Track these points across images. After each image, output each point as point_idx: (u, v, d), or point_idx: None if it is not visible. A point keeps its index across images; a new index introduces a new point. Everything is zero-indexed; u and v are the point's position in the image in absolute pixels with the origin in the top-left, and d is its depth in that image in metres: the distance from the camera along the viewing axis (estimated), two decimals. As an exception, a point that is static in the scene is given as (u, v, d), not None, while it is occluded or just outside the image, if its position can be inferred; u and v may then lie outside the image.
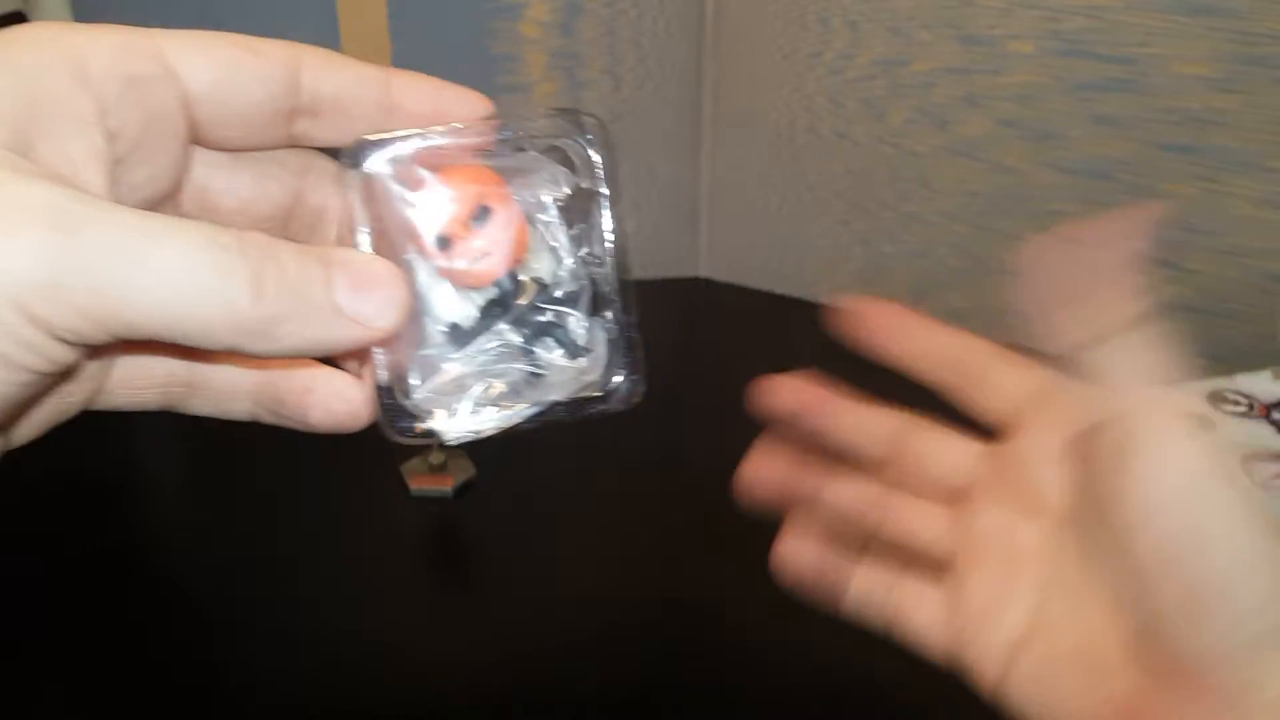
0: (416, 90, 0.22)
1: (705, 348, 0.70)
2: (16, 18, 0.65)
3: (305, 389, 0.21)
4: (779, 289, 0.75)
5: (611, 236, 0.24)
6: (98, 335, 0.17)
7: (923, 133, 0.65)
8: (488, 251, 0.22)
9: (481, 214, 0.22)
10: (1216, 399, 0.51)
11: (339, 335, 0.18)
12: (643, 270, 0.77)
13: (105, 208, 0.17)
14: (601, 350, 0.23)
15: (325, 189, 0.23)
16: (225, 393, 0.22)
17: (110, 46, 0.19)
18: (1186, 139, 0.59)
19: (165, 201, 0.21)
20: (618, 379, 0.23)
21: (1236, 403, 0.51)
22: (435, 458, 0.53)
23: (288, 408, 0.21)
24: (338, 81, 0.22)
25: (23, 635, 0.45)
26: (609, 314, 0.24)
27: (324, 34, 0.65)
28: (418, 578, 0.50)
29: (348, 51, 0.72)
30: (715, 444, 0.60)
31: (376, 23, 0.65)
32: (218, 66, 0.21)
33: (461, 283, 0.22)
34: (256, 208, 0.22)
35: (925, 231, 0.68)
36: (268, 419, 0.22)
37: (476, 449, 0.55)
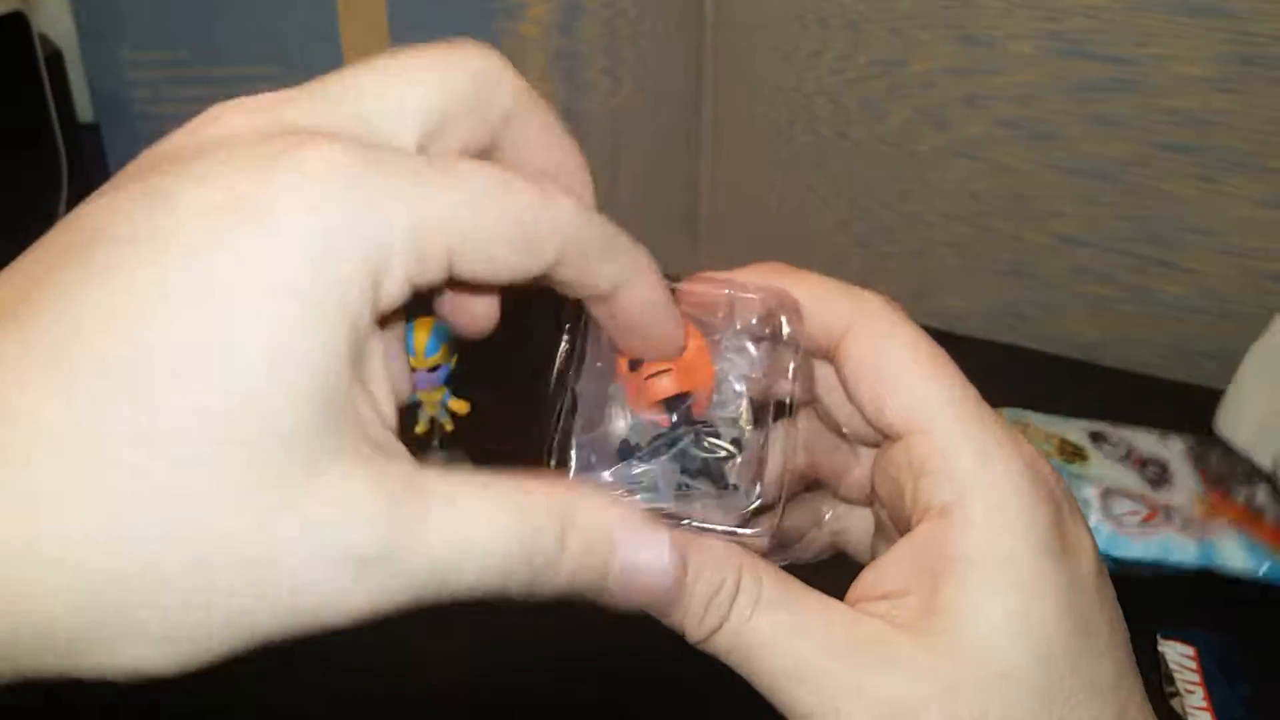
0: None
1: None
2: (17, 18, 0.65)
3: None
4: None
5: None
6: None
7: (923, 133, 0.65)
8: (667, 370, 0.23)
9: None
10: (1098, 438, 0.52)
11: (616, 601, 0.20)
12: (643, 270, 0.77)
13: (429, 492, 0.17)
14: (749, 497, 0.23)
15: None
16: None
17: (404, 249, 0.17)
18: (1186, 139, 0.59)
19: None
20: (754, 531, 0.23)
21: (1115, 445, 0.51)
22: (435, 458, 0.53)
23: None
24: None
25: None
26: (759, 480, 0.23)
27: (324, 35, 0.65)
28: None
29: (348, 53, 0.72)
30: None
31: (376, 23, 0.65)
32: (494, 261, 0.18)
33: (637, 399, 0.23)
34: None
35: (925, 231, 0.68)
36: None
37: (476, 450, 0.55)
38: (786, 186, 0.71)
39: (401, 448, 0.18)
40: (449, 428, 0.52)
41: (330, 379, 0.16)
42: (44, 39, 0.71)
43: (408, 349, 0.52)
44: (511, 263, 0.18)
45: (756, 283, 0.25)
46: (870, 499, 0.25)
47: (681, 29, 0.69)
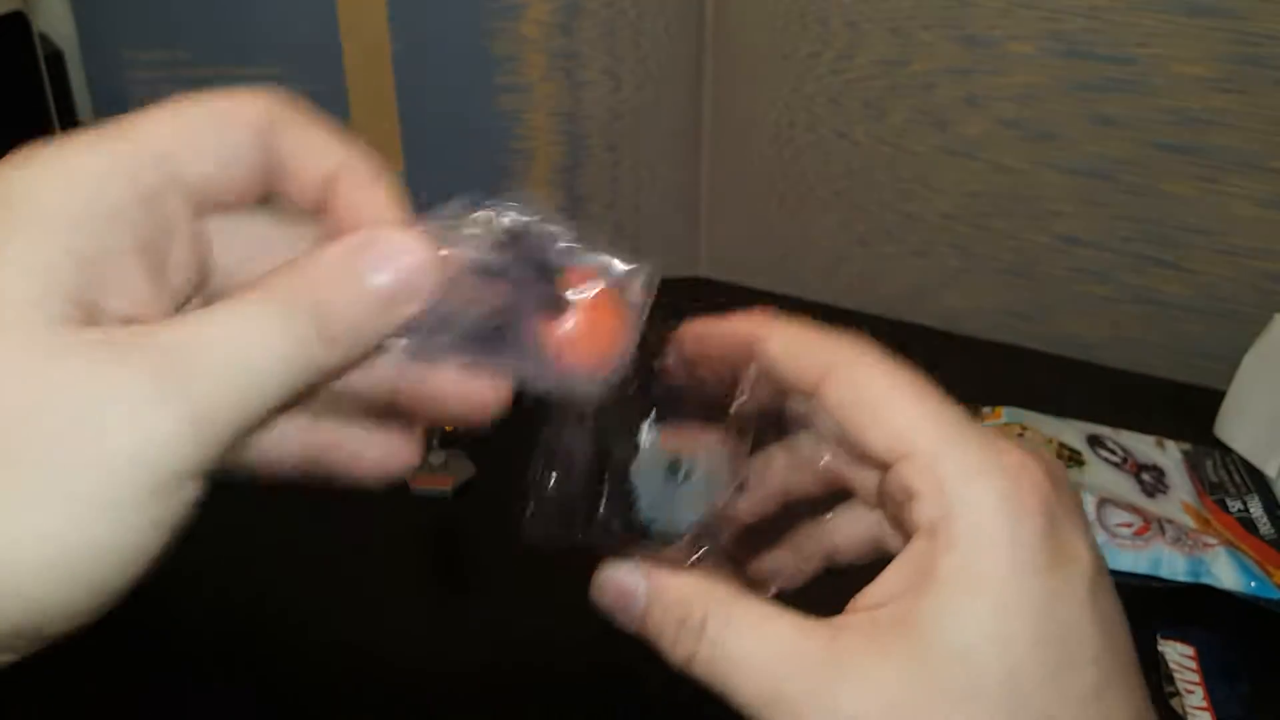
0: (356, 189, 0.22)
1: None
2: (17, 18, 0.65)
3: (354, 454, 0.23)
4: (779, 289, 0.75)
5: None
6: (230, 452, 0.19)
7: (923, 133, 0.65)
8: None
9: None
10: (1095, 443, 0.52)
11: (391, 320, 0.20)
12: (643, 270, 0.76)
13: (184, 336, 0.18)
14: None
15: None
16: (275, 447, 0.23)
17: (121, 171, 0.20)
18: (1186, 139, 0.59)
19: (204, 280, 0.22)
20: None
21: (1113, 452, 0.52)
22: (435, 457, 0.53)
23: (335, 466, 0.23)
24: (302, 146, 0.22)
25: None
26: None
27: (324, 35, 0.65)
28: (417, 577, 0.50)
29: (348, 53, 0.72)
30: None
31: (377, 24, 0.65)
32: (208, 155, 0.21)
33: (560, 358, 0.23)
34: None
35: (925, 231, 0.68)
36: (313, 471, 0.23)
37: (476, 449, 0.55)
38: (787, 186, 0.71)
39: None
40: (449, 427, 0.52)
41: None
42: (44, 39, 0.71)
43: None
44: (235, 166, 0.22)
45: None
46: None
47: (681, 29, 0.69)
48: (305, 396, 0.20)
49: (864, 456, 0.23)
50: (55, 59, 0.72)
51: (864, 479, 0.26)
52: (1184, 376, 0.64)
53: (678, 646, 0.22)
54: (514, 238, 0.22)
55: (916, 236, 0.68)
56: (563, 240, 0.23)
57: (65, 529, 0.17)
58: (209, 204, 0.21)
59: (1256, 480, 0.53)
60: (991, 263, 0.67)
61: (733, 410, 0.25)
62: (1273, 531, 0.49)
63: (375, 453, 0.23)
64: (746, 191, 0.73)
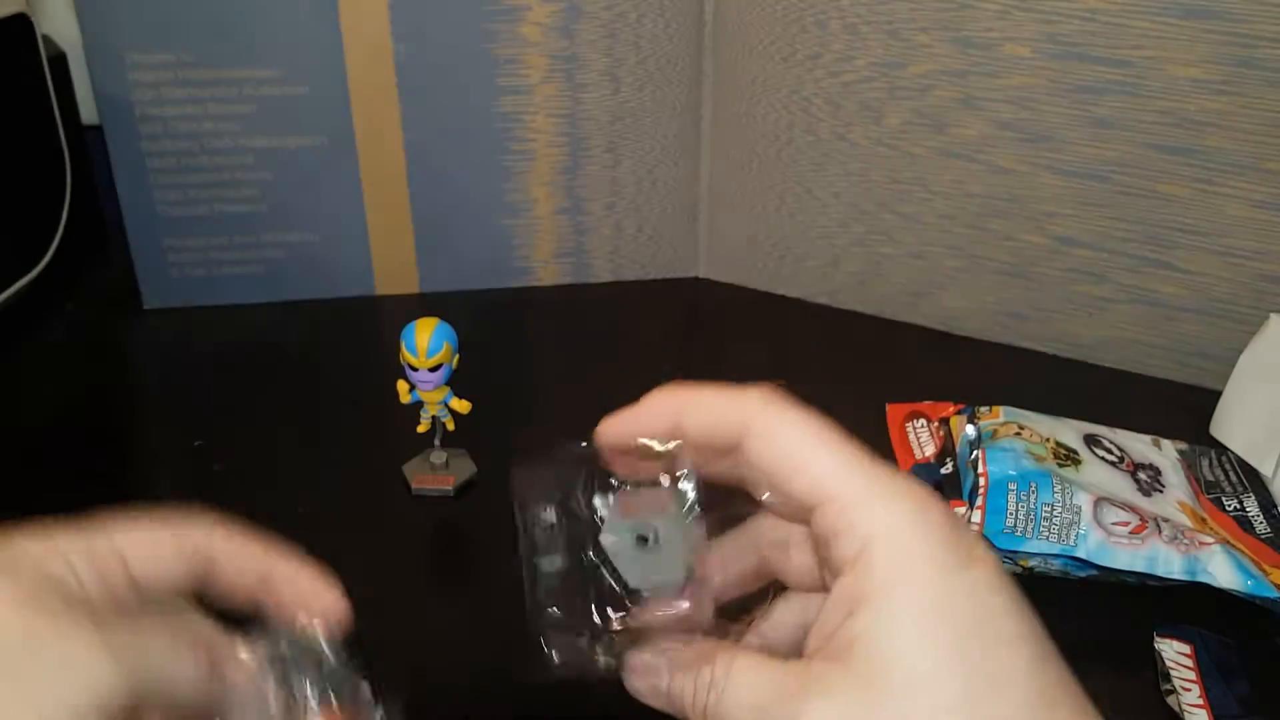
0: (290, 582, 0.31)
1: (704, 348, 0.71)
2: (20, 20, 0.65)
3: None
4: (778, 290, 0.75)
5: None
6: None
7: (921, 135, 0.66)
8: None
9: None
10: (1091, 442, 0.52)
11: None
12: (643, 270, 0.77)
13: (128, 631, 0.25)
14: None
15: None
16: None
17: (82, 556, 0.27)
18: (1182, 141, 0.59)
19: None
20: None
21: (1109, 451, 0.52)
22: (436, 457, 0.54)
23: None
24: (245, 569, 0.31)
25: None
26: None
27: (326, 38, 0.65)
28: (418, 576, 0.51)
29: (350, 55, 0.72)
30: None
31: (378, 25, 0.66)
32: (151, 558, 0.29)
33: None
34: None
35: (923, 233, 0.68)
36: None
37: (478, 449, 0.55)
38: (785, 188, 0.72)
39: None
40: (450, 427, 0.53)
41: None
42: (48, 41, 0.72)
43: (410, 349, 0.52)
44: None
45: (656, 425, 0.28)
46: (820, 579, 0.28)
47: (681, 32, 0.69)
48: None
49: (790, 504, 0.25)
50: (59, 61, 0.73)
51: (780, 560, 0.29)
52: (1180, 376, 0.65)
53: (697, 700, 0.25)
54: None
55: (914, 237, 0.69)
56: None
57: None
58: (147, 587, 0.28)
59: (1253, 479, 0.53)
60: (989, 263, 0.67)
61: (679, 486, 0.27)
62: (1269, 530, 0.49)
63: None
64: (745, 193, 0.73)
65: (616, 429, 0.28)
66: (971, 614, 0.23)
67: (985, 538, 0.47)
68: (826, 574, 0.25)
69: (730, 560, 0.30)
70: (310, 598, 0.31)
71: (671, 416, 0.27)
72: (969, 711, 0.22)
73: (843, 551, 0.24)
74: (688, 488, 0.27)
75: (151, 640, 0.25)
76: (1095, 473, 0.49)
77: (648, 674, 0.27)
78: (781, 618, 0.29)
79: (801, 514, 0.25)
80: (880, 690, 0.22)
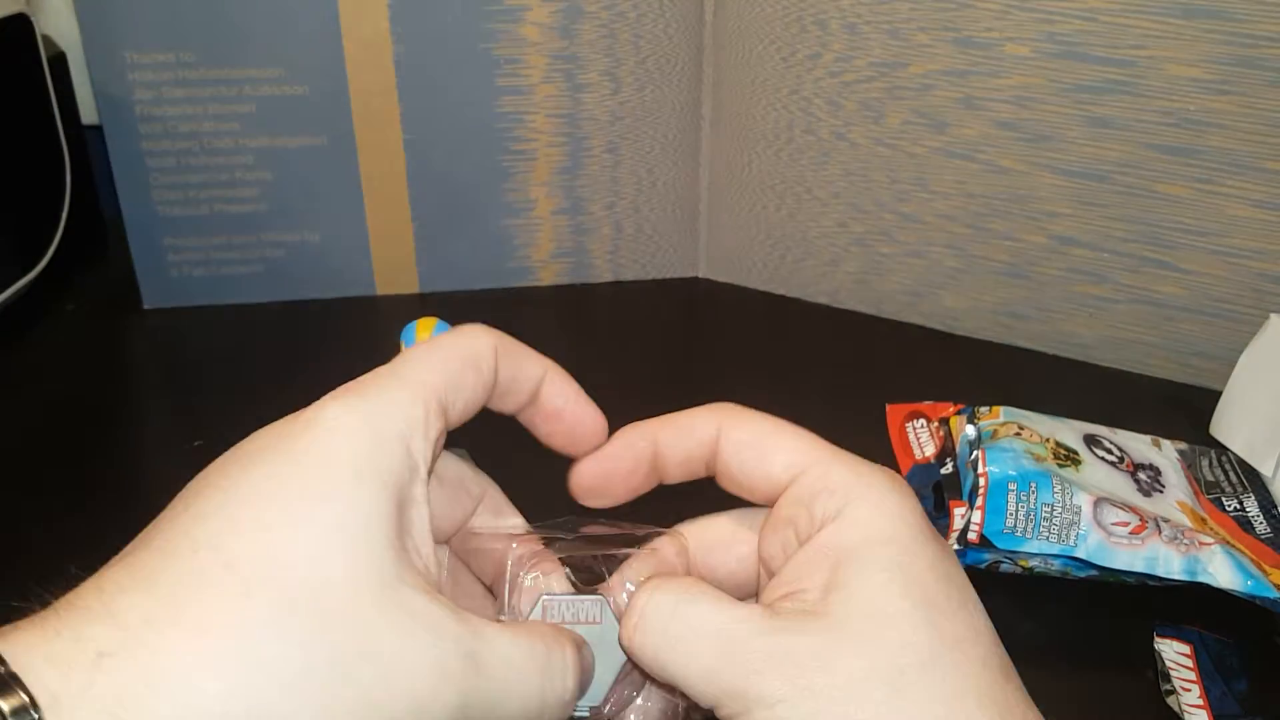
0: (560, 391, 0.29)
1: (704, 348, 0.71)
2: (20, 19, 0.65)
3: None
4: (778, 289, 0.75)
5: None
6: None
7: (920, 134, 0.66)
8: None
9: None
10: (1091, 442, 0.52)
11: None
12: (643, 270, 0.77)
13: (484, 633, 0.23)
14: None
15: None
16: None
17: (411, 422, 0.24)
18: (1182, 141, 0.59)
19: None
20: None
21: (1109, 451, 0.52)
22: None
23: None
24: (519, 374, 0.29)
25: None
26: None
27: (326, 36, 0.65)
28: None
29: (350, 55, 0.72)
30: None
31: (378, 25, 0.66)
32: (467, 394, 0.27)
33: None
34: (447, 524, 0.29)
35: (923, 232, 0.68)
36: None
37: (478, 449, 0.55)
38: (785, 188, 0.72)
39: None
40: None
41: (385, 544, 0.22)
42: (48, 40, 0.72)
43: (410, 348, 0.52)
44: (480, 393, 0.27)
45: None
46: (757, 582, 0.29)
47: (681, 32, 0.69)
48: None
49: (763, 489, 0.27)
50: (58, 60, 0.73)
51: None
52: (1180, 376, 0.65)
53: (626, 621, 0.26)
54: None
55: (914, 237, 0.69)
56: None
57: None
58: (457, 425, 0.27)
59: (1252, 479, 0.53)
60: (988, 263, 0.67)
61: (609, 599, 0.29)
62: (1269, 530, 0.49)
63: None
64: (745, 193, 0.73)
65: (591, 471, 0.30)
66: (942, 578, 0.24)
67: (985, 537, 0.47)
68: (795, 537, 0.26)
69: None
70: (578, 420, 0.29)
71: (644, 445, 0.29)
72: (934, 663, 0.23)
73: (824, 509, 0.25)
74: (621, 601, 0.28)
75: (506, 649, 0.23)
76: (1095, 473, 0.49)
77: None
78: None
79: (775, 492, 0.27)
80: (852, 634, 0.23)
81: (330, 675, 0.20)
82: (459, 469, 0.31)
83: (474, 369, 0.27)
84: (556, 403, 0.29)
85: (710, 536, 0.30)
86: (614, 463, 0.29)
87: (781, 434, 0.27)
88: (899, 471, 0.53)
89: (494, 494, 0.32)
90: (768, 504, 0.27)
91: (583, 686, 0.26)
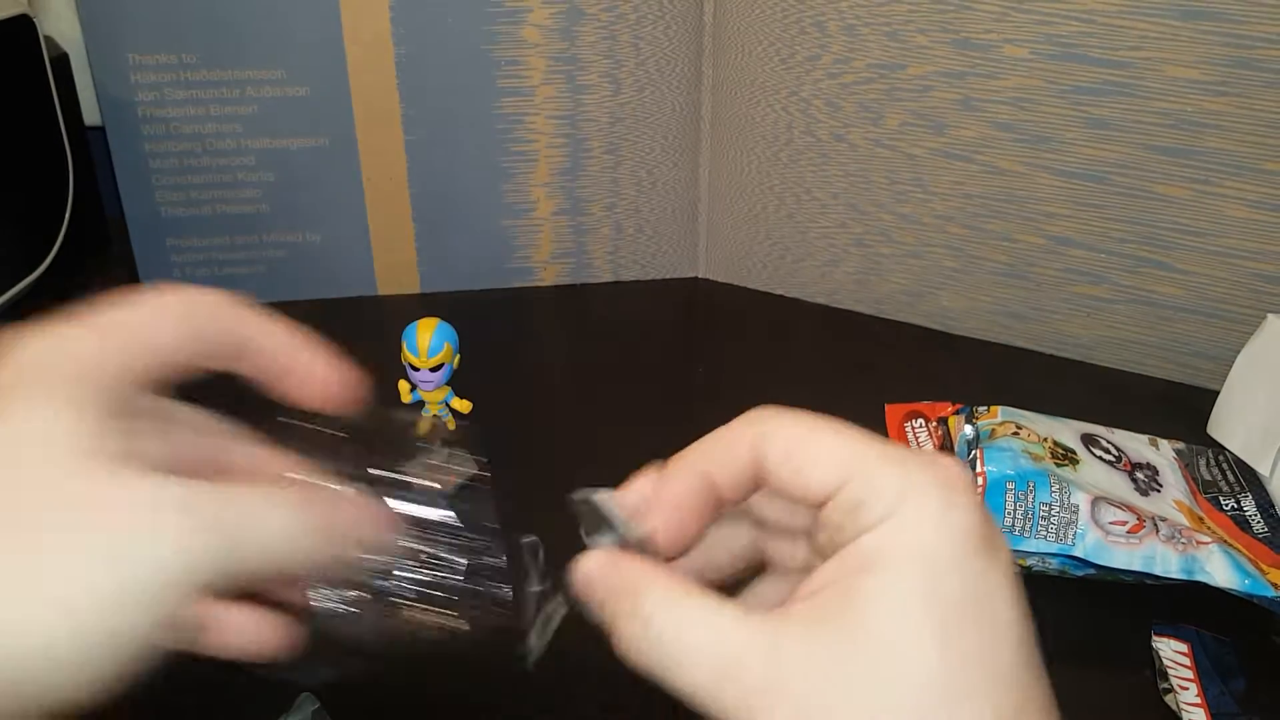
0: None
1: (704, 348, 0.71)
2: (23, 20, 0.65)
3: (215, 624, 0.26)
4: (777, 290, 0.75)
5: None
6: (225, 590, 0.23)
7: (919, 136, 0.66)
8: None
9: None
10: (1089, 441, 0.52)
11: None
12: (643, 271, 0.77)
13: (215, 496, 0.23)
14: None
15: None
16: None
17: (116, 349, 0.24)
18: (1179, 142, 0.59)
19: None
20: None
21: (1107, 450, 0.52)
22: (437, 456, 0.54)
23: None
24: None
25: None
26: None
27: (328, 38, 0.66)
28: (420, 575, 0.51)
29: (352, 56, 0.72)
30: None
31: (380, 27, 0.66)
32: (177, 335, 0.27)
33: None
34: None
35: (921, 233, 0.69)
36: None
37: (479, 448, 0.55)
38: (784, 189, 0.72)
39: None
40: (451, 426, 0.53)
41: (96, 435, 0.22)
42: (50, 42, 0.72)
43: (411, 349, 0.53)
44: (182, 341, 0.27)
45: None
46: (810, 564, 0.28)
47: (681, 34, 0.69)
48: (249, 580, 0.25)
49: (807, 498, 0.25)
50: (61, 62, 0.73)
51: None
52: (1177, 376, 0.65)
53: (620, 635, 0.24)
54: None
55: (912, 238, 0.69)
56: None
57: (84, 598, 0.20)
58: (167, 374, 0.27)
59: (1249, 478, 0.53)
60: (986, 264, 0.67)
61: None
62: (1266, 530, 0.49)
63: (248, 635, 0.26)
64: (745, 194, 0.73)
65: (671, 530, 0.28)
66: (977, 602, 0.22)
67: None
68: (829, 544, 0.24)
69: (722, 540, 0.29)
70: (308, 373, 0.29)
71: (698, 477, 0.27)
72: (941, 709, 0.21)
73: (869, 516, 0.23)
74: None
75: (244, 505, 0.23)
76: (1093, 472, 0.50)
77: (583, 585, 0.26)
78: (763, 594, 0.29)
79: (822, 498, 0.25)
80: (861, 661, 0.22)
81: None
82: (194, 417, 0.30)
83: (172, 319, 0.26)
84: (280, 360, 0.29)
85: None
86: (685, 513, 0.27)
87: (819, 441, 0.25)
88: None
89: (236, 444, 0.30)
90: (816, 509, 0.25)
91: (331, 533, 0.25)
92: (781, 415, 0.26)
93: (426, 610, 0.28)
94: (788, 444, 0.25)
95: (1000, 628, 0.22)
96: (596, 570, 0.26)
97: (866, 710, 0.21)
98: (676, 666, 0.23)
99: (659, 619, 0.23)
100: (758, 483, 0.26)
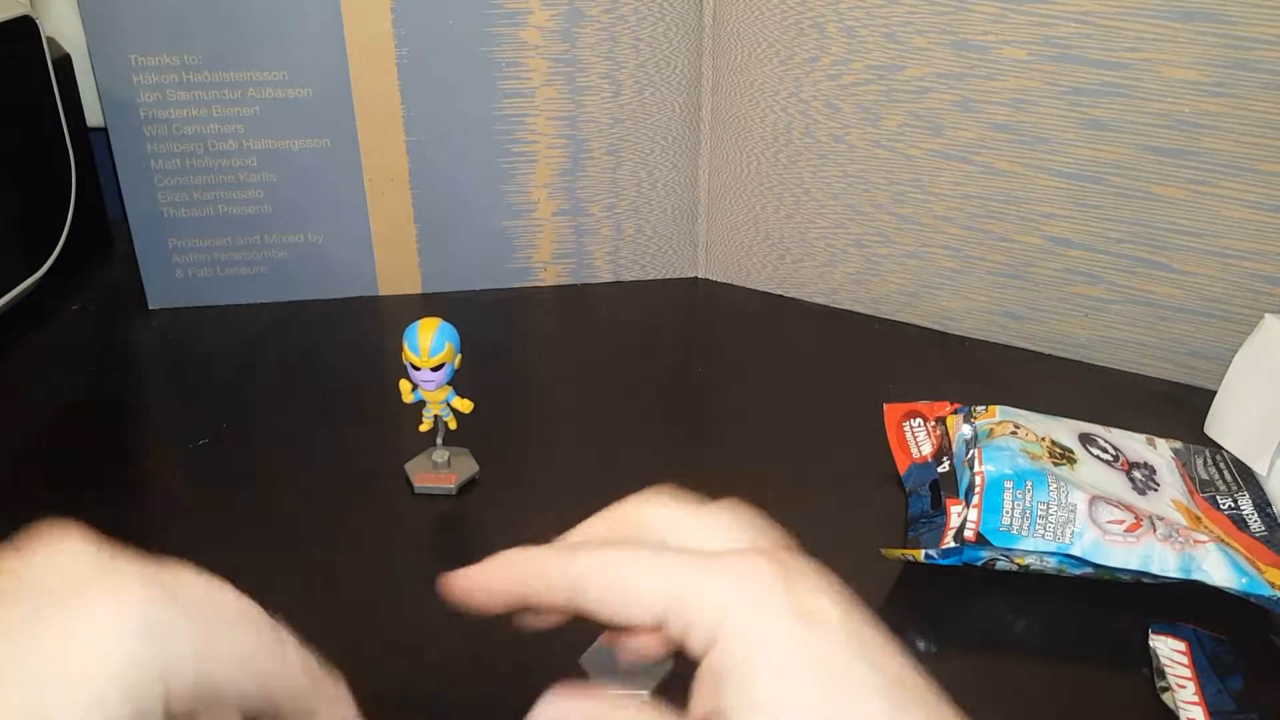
0: None
1: (704, 347, 0.71)
2: (25, 21, 0.65)
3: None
4: (776, 290, 0.75)
5: None
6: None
7: (917, 137, 0.66)
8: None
9: None
10: (1087, 441, 0.52)
11: None
12: (643, 271, 0.77)
13: None
14: None
15: None
16: None
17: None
18: (1177, 143, 0.60)
19: None
20: None
21: (1104, 450, 0.52)
22: (439, 456, 0.54)
23: None
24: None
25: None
26: None
27: (329, 39, 0.66)
28: (421, 575, 0.51)
29: (353, 57, 0.73)
30: (715, 442, 0.60)
31: (381, 28, 0.66)
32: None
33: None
34: None
35: (920, 233, 0.69)
36: None
37: (480, 447, 0.55)
38: (784, 189, 0.72)
39: None
40: (453, 426, 0.53)
41: None
42: (52, 43, 0.72)
43: (412, 349, 0.53)
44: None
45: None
46: None
47: (680, 35, 0.70)
48: None
49: (646, 628, 0.27)
50: (63, 63, 0.73)
51: None
52: (1175, 376, 0.65)
53: None
54: None
55: (911, 238, 0.69)
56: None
57: None
58: None
59: (1247, 478, 0.53)
60: (985, 264, 0.68)
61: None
62: (1263, 529, 0.49)
63: None
64: (744, 194, 0.74)
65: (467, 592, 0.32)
66: (829, 669, 0.24)
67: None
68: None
69: None
70: None
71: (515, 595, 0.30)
72: None
73: (697, 641, 0.25)
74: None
75: None
76: (1090, 471, 0.50)
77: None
78: None
79: (651, 629, 0.27)
80: None
81: None
82: None
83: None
84: None
85: None
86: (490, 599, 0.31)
87: (636, 575, 0.27)
88: (898, 470, 0.54)
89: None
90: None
91: None
92: (595, 552, 0.27)
93: None
94: (607, 588, 0.27)
95: (852, 685, 0.24)
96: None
97: None
98: None
99: None
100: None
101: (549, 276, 0.76)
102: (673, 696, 0.29)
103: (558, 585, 0.28)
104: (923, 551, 0.46)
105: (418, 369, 0.50)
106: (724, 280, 0.77)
